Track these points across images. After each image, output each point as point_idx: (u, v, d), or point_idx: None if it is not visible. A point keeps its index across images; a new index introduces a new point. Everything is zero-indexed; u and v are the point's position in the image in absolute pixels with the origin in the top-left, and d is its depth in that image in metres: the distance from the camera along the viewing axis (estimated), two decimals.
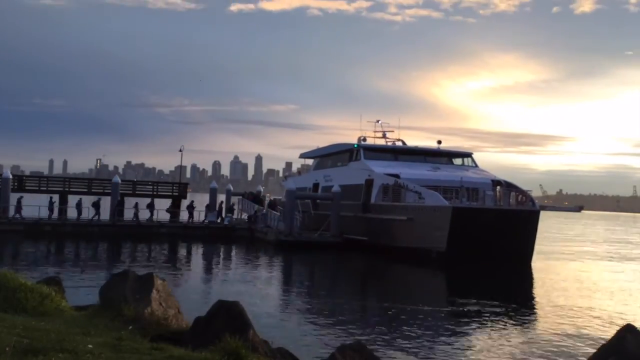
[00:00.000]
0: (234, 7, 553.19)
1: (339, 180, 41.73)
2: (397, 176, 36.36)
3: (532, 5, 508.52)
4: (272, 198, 56.36)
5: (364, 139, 44.63)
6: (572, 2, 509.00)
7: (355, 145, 42.51)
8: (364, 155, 40.93)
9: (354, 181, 40.18)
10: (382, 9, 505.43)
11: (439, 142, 44.27)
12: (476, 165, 41.82)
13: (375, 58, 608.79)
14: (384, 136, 47.08)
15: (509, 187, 36.31)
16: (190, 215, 45.30)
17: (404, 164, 39.25)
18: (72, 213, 45.03)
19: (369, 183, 38.41)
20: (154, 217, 44.70)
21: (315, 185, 47.09)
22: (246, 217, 49.03)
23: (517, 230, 31.90)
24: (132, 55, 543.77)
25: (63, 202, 46.11)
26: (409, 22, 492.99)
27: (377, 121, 47.82)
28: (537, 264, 32.79)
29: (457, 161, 42.30)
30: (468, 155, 43.16)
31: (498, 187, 36.89)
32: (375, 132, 47.32)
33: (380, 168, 38.25)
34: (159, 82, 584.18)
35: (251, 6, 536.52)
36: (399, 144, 46.22)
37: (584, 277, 29.06)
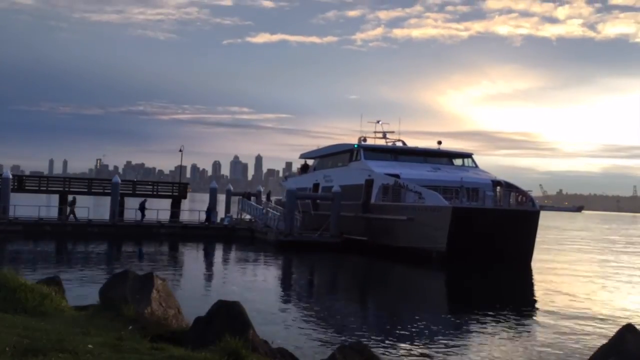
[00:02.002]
0: (225, 42, 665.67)
1: (339, 181, 41.72)
2: (397, 176, 36.31)
3: (475, 41, 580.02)
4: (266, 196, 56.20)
5: (364, 140, 44.57)
6: (506, 39, 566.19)
7: (356, 146, 42.43)
8: (364, 155, 40.81)
9: (354, 181, 40.14)
10: (350, 43, 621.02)
11: (439, 142, 44.33)
12: (476, 166, 41.71)
13: (377, 68, 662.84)
14: (384, 136, 47.03)
15: (509, 187, 36.22)
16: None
17: (404, 164, 39.18)
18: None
19: (369, 183, 38.35)
20: (152, 217, 44.75)
21: (316, 186, 46.98)
22: (247, 217, 49.26)
23: (517, 230, 31.87)
24: (133, 73, 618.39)
25: (63, 202, 46.22)
26: (374, 52, 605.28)
27: (378, 121, 47.91)
28: (537, 264, 32.79)
29: (458, 161, 42.16)
30: (468, 155, 42.99)
31: (498, 188, 36.82)
32: (375, 132, 47.43)
33: (381, 168, 38.18)
34: (156, 95, 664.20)
35: (239, 40, 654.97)
36: (399, 144, 46.09)
37: (584, 277, 29.04)
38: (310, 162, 54.53)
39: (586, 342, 14.35)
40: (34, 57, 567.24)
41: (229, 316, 8.15)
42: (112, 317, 8.75)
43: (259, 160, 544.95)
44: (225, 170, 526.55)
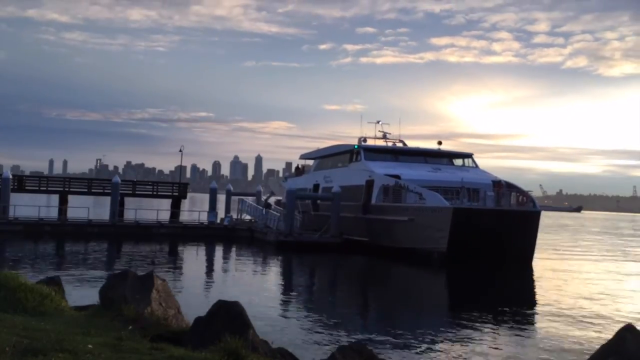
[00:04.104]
0: (218, 66, 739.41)
1: (339, 181, 41.66)
2: (397, 177, 36.18)
3: (430, 66, 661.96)
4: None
5: (365, 140, 44.49)
6: (456, 65, 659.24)
7: (356, 146, 42.31)
8: (365, 156, 40.72)
9: (354, 182, 40.06)
10: (326, 68, 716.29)
11: (440, 142, 44.34)
12: (477, 166, 41.60)
13: (380, 78, 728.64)
14: (384, 137, 46.88)
15: (509, 187, 36.07)
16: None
17: (405, 165, 39.12)
18: (72, 213, 45.15)
19: (370, 184, 38.26)
20: (152, 217, 44.83)
21: (316, 186, 46.87)
22: (247, 218, 49.39)
23: (518, 230, 31.86)
24: (134, 88, 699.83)
25: (63, 202, 46.23)
26: (348, 74, 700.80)
27: (378, 122, 47.78)
28: (538, 264, 32.80)
29: (458, 162, 42.03)
30: (469, 156, 42.83)
31: (500, 187, 36.53)
32: (376, 133, 47.36)
33: (381, 169, 38.11)
34: (156, 105, 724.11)
35: (229, 65, 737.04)
36: (400, 144, 46.02)
37: (584, 277, 29.04)
38: (310, 162, 54.71)
39: (586, 342, 14.35)
40: (49, 75, 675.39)
41: (228, 316, 8.15)
42: (112, 317, 8.75)
43: (259, 160, 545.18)
44: (225, 170, 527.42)
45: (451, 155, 43.04)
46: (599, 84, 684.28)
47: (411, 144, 46.43)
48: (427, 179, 36.02)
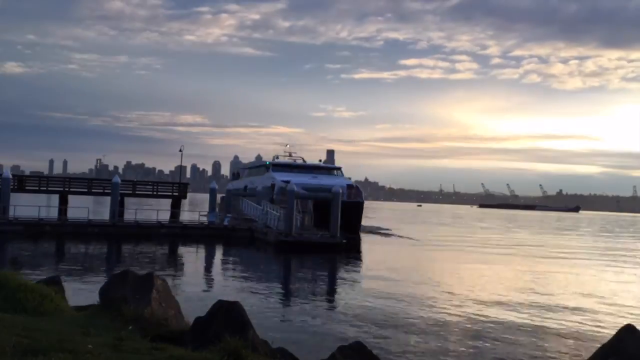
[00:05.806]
0: (211, 78, 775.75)
1: (259, 184, 54.60)
2: (288, 182, 44.35)
3: (402, 81, 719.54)
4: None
5: (277, 157, 63.44)
6: (425, 81, 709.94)
7: (267, 163, 60.10)
8: (272, 169, 56.93)
9: (266, 185, 53.29)
10: (312, 82, 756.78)
11: (320, 160, 66.40)
12: (342, 175, 58.21)
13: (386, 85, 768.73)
14: (290, 155, 64.82)
15: (355, 189, 52.63)
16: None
17: (296, 175, 52.11)
18: (72, 213, 45.18)
19: (273, 186, 51.80)
20: (152, 217, 44.83)
21: (245, 188, 59.46)
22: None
23: (350, 212, 45.06)
24: (134, 97, 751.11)
25: (63, 202, 46.24)
26: (333, 86, 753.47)
27: (286, 145, 66.62)
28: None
29: (333, 172, 58.43)
30: (338, 168, 60.24)
31: (352, 189, 51.88)
32: (284, 153, 65.56)
33: (280, 177, 52.29)
34: (155, 109, 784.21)
35: (221, 77, 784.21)
36: (300, 161, 62.70)
37: (579, 277, 29.06)
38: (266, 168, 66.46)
39: (586, 342, 14.32)
40: (57, 85, 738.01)
41: (228, 316, 8.16)
42: (112, 317, 8.76)
43: (259, 160, 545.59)
44: (225, 170, 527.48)
45: (328, 168, 60.25)
46: (559, 96, 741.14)
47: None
48: (305, 183, 48.24)
